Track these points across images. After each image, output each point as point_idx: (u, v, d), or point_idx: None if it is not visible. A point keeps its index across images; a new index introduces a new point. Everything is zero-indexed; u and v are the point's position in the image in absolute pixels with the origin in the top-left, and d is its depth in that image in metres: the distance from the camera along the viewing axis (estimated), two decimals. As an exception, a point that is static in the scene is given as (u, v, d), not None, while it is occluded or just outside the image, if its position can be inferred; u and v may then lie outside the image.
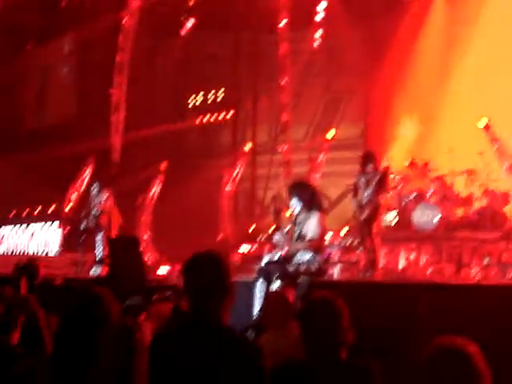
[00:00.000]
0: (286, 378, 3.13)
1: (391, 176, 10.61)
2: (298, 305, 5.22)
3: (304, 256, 7.60)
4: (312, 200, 7.84)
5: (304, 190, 7.98)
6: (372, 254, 9.99)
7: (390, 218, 12.72)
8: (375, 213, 10.14)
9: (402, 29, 15.86)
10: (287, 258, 7.68)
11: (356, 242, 10.87)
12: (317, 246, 7.67)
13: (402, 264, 12.22)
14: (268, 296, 5.59)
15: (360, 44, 16.28)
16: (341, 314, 3.19)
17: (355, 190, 10.36)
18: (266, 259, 8.04)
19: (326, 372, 3.06)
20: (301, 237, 7.76)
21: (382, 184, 10.16)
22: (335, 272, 11.97)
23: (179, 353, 2.91)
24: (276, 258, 7.82)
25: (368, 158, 10.34)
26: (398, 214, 12.78)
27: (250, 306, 7.37)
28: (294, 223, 7.90)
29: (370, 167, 10.18)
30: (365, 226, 10.14)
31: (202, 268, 3.02)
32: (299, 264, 7.52)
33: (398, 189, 12.99)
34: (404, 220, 12.65)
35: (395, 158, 13.40)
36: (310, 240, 7.66)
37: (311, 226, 7.67)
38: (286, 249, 7.76)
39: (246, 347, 3.03)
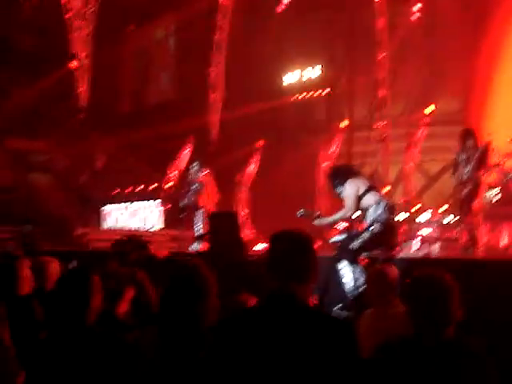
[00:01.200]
0: (391, 355, 3.11)
1: (493, 152, 10.29)
2: (400, 282, 5.16)
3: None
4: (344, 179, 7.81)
5: (335, 177, 7.93)
6: (473, 232, 9.80)
7: (492, 194, 12.41)
8: (476, 189, 9.93)
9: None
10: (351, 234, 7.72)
11: (456, 219, 10.66)
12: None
13: (504, 241, 11.95)
14: (370, 273, 5.54)
15: (460, 17, 15.84)
16: (451, 292, 3.11)
17: (455, 166, 10.17)
18: (334, 238, 8.10)
19: (434, 350, 3.02)
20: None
21: (483, 160, 9.91)
22: (435, 249, 11.85)
23: (264, 334, 2.79)
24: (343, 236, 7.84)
25: (468, 134, 10.11)
26: (501, 190, 12.44)
27: (339, 282, 7.41)
28: None
29: (470, 143, 9.95)
30: (465, 203, 9.95)
31: (286, 248, 2.91)
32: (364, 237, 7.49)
33: (500, 165, 12.64)
34: (506, 197, 12.31)
35: (497, 134, 13.01)
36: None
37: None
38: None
39: (337, 325, 2.88)
